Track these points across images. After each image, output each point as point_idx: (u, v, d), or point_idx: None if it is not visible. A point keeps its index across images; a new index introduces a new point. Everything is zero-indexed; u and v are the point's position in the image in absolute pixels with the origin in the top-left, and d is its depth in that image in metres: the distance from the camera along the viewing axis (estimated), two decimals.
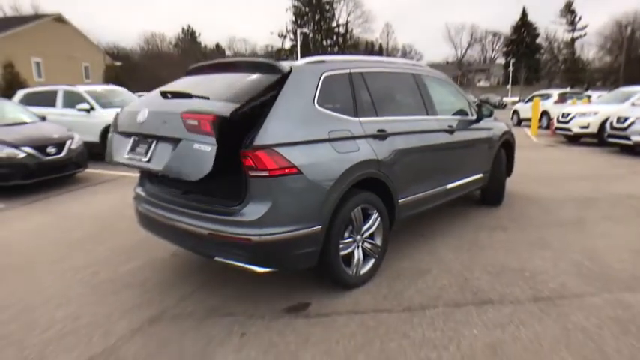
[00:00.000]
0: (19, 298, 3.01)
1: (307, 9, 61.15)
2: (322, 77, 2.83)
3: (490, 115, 4.47)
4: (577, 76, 54.57)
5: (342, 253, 2.83)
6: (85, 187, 6.61)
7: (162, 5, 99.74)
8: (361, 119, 2.98)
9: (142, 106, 2.89)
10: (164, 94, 2.83)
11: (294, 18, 60.84)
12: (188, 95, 2.69)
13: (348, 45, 65.81)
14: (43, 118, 7.28)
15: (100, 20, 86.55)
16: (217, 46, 72.81)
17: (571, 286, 3.00)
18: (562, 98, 15.59)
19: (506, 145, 5.10)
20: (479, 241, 3.90)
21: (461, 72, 72.88)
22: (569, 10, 63.29)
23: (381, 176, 3.03)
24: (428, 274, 3.23)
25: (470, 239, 3.96)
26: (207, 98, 2.59)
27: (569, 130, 10.88)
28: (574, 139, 11.21)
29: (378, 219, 3.08)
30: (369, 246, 3.06)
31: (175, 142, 2.53)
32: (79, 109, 8.25)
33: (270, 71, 2.73)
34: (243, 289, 3.06)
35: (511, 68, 51.68)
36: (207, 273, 3.32)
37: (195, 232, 2.62)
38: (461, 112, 4.32)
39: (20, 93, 9.32)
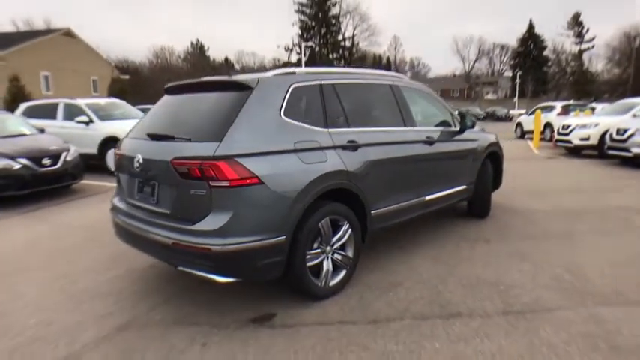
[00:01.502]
0: None
1: (313, 23, 61.85)
2: (290, 89, 2.87)
3: (472, 126, 4.45)
4: (585, 88, 54.22)
5: (310, 264, 2.82)
6: (80, 198, 6.69)
7: (173, 19, 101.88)
8: (331, 130, 2.99)
9: (135, 151, 2.93)
10: (151, 136, 2.91)
11: (300, 32, 61.52)
12: (172, 138, 2.75)
13: (355, 58, 66.25)
14: (42, 131, 7.43)
15: (111, 35, 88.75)
16: (226, 59, 73.99)
17: (545, 300, 2.95)
18: (565, 110, 15.48)
19: (494, 156, 5.07)
20: (458, 253, 3.86)
21: (468, 85, 73.01)
22: (576, 22, 63.34)
23: (352, 187, 3.03)
24: (400, 286, 3.20)
25: (450, 251, 3.92)
26: (189, 140, 2.64)
27: (569, 142, 10.78)
28: (575, 152, 11.10)
29: (349, 230, 3.07)
30: (339, 257, 3.05)
31: (174, 185, 2.63)
32: (78, 122, 8.41)
33: (239, 89, 2.77)
34: (214, 298, 3.06)
35: (517, 81, 51.50)
36: (182, 283, 3.33)
37: (162, 241, 2.65)
38: (444, 124, 4.32)
39: (23, 106, 9.54)
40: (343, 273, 3.09)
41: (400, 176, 3.54)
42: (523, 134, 17.66)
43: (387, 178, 3.39)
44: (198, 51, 71.90)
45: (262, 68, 65.30)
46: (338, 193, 2.98)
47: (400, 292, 3.09)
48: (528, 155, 11.40)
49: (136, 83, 32.68)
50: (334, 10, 62.97)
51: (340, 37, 64.29)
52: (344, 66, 63.57)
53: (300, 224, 2.69)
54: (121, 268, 3.68)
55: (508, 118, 38.80)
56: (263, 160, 2.55)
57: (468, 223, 4.79)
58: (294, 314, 2.80)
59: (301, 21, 62.00)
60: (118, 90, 18.70)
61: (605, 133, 9.80)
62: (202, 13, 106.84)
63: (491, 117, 40.83)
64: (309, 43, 59.32)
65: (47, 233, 4.85)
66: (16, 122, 7.48)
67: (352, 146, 3.09)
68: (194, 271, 2.59)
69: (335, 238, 3.00)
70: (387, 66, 79.68)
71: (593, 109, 14.85)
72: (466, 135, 4.43)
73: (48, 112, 9.01)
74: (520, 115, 22.23)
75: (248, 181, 2.46)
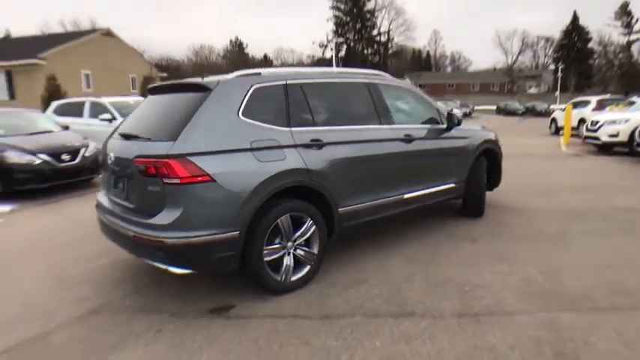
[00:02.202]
0: None
1: (348, 18, 61.49)
2: (251, 89, 2.95)
3: (459, 123, 4.36)
4: (634, 81, 50.55)
5: (268, 259, 2.90)
6: (97, 191, 7.05)
7: (212, 17, 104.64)
8: (293, 129, 3.05)
9: (111, 150, 3.17)
10: (123, 136, 3.13)
11: (334, 28, 61.37)
12: (136, 137, 2.97)
13: (390, 53, 65.41)
14: (66, 128, 7.92)
15: (154, 33, 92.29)
16: (265, 56, 75.22)
17: (508, 302, 2.88)
18: (601, 105, 14.65)
19: (490, 154, 4.94)
20: (438, 252, 3.82)
21: (510, 78, 70.20)
22: (625, 12, 59.36)
23: (313, 185, 3.08)
24: (365, 283, 3.22)
25: (430, 250, 3.88)
26: (150, 139, 2.84)
27: (597, 138, 10.22)
28: (605, 149, 10.49)
29: (313, 227, 3.12)
30: (302, 253, 3.11)
31: (136, 181, 2.80)
32: (102, 119, 8.88)
33: (201, 90, 2.89)
34: (182, 289, 3.21)
35: (560, 74, 48.90)
36: (158, 274, 3.44)
37: (126, 234, 2.82)
38: (430, 121, 4.26)
39: (54, 104, 10.22)
40: (307, 269, 3.15)
41: (373, 174, 3.54)
42: (557, 130, 16.86)
43: (357, 175, 3.40)
44: (237, 48, 73.64)
45: (300, 64, 65.76)
46: (300, 190, 3.04)
47: (362, 289, 3.12)
48: (554, 152, 10.93)
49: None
50: (369, 5, 62.36)
51: (375, 32, 63.56)
52: (379, 61, 63.18)
53: (255, 220, 2.78)
54: (109, 258, 3.91)
55: (548, 114, 36.98)
56: (216, 158, 2.66)
57: (460, 222, 4.70)
58: (251, 307, 2.90)
59: (336, 17, 61.90)
60: None
61: (636, 129, 9.24)
62: (244, 10, 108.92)
63: (531, 112, 39.10)
64: (341, 39, 59.06)
65: (59, 225, 5.21)
66: (42, 120, 8.02)
67: (316, 144, 3.13)
68: (154, 263, 2.74)
69: (297, 235, 3.06)
70: (427, 60, 78.13)
71: (632, 103, 13.95)
72: (454, 132, 4.35)
73: (76, 109, 9.59)
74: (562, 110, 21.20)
75: (199, 178, 2.57)
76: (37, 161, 6.38)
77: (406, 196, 3.84)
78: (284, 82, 3.15)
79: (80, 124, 9.02)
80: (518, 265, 3.49)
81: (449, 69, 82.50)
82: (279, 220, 2.92)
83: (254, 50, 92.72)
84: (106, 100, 9.40)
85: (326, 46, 60.73)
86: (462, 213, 4.89)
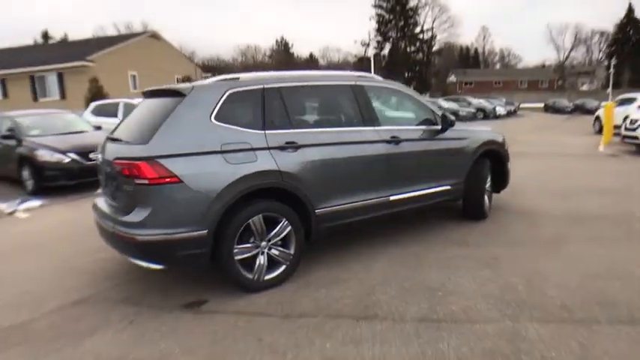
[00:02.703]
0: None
1: (391, 16, 60.41)
2: (226, 94, 3.06)
3: (452, 124, 4.24)
4: None
5: (239, 257, 3.01)
6: None
7: (259, 18, 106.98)
8: (268, 132, 3.13)
9: (101, 152, 3.41)
10: (110, 139, 3.38)
11: (377, 26, 60.52)
12: (119, 140, 3.18)
13: (434, 51, 63.82)
14: (99, 128, 8.44)
15: (204, 34, 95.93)
16: (311, 55, 75.87)
17: (476, 310, 2.81)
18: None
19: (494, 156, 4.79)
20: (424, 255, 3.76)
21: (559, 75, 66.42)
22: None
23: (286, 186, 3.14)
24: (339, 284, 3.25)
25: (416, 252, 3.83)
26: (129, 142, 3.03)
27: (636, 137, 9.53)
28: None
29: (289, 227, 3.19)
30: (277, 253, 3.18)
31: (116, 181, 3.01)
32: None
33: (177, 95, 3.05)
34: (167, 282, 3.39)
35: (612, 70, 45.43)
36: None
37: (108, 230, 3.03)
38: (425, 122, 4.19)
39: (92, 105, 10.94)
40: (282, 268, 3.23)
41: (353, 176, 3.53)
42: (601, 129, 15.77)
43: (337, 177, 3.42)
44: (282, 48, 74.74)
45: (346, 64, 65.54)
46: (273, 191, 3.12)
47: (333, 290, 3.15)
48: (589, 152, 10.30)
49: None
50: (412, 3, 60.92)
51: (418, 30, 62.09)
52: (422, 58, 61.81)
53: (224, 220, 2.89)
54: (110, 251, 4.12)
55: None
56: (185, 160, 2.79)
57: (459, 225, 4.58)
58: (223, 303, 3.01)
59: (378, 15, 60.91)
60: None
61: None
62: (291, 10, 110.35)
63: (581, 109, 36.84)
64: (382, 38, 58.22)
65: (80, 219, 5.55)
66: (77, 121, 8.61)
67: (291, 147, 3.19)
68: (132, 259, 2.93)
69: (271, 234, 3.14)
70: (475, 57, 75.62)
71: None
72: (449, 133, 4.24)
73: (111, 110, 10.22)
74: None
75: (167, 179, 2.72)
76: (67, 160, 6.88)
77: (392, 198, 3.81)
78: (261, 87, 3.23)
79: (114, 124, 9.55)
80: (502, 272, 3.38)
81: (498, 66, 79.27)
82: (251, 220, 3.01)
83: (300, 49, 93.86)
84: (138, 101, 9.90)
85: (368, 45, 60.14)
86: (462, 215, 4.78)
